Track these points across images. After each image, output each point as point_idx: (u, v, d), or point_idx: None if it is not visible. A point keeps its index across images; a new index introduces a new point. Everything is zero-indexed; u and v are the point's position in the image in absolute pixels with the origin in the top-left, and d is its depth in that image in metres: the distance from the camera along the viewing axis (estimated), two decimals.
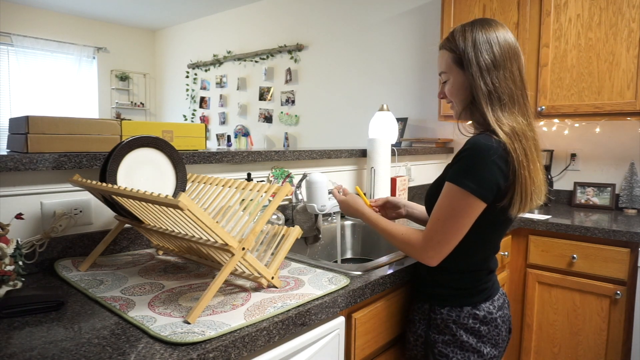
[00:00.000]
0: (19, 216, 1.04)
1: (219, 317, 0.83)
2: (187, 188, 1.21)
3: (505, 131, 0.98)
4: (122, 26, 5.61)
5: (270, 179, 1.73)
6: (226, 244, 0.89)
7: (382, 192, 2.06)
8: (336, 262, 1.61)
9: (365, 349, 1.11)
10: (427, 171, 2.78)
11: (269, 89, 4.31)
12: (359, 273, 1.14)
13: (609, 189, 2.35)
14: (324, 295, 0.97)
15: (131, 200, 0.92)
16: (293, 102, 4.11)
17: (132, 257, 1.24)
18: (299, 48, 3.98)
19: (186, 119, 5.36)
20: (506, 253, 1.99)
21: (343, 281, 1.06)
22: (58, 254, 1.17)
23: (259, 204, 1.00)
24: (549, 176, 2.52)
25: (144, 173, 1.11)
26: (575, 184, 2.45)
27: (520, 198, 0.98)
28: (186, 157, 1.39)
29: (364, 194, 1.42)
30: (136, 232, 1.32)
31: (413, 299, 1.21)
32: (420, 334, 1.12)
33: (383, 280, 1.12)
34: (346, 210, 1.29)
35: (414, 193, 2.61)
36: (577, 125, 2.47)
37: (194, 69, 5.20)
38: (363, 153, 2.13)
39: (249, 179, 1.60)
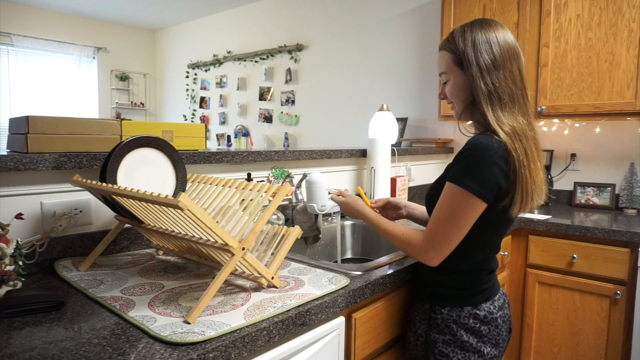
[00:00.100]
0: (19, 216, 1.04)
1: (219, 317, 0.83)
2: (187, 188, 1.21)
3: (506, 131, 0.98)
4: (122, 26, 5.61)
5: (270, 179, 1.73)
6: (226, 244, 0.89)
7: (382, 192, 2.06)
8: (336, 262, 1.61)
9: (366, 349, 1.11)
10: (427, 171, 2.78)
11: (269, 89, 4.31)
12: (359, 273, 1.14)
13: (609, 189, 2.35)
14: (324, 295, 0.97)
15: (131, 200, 0.92)
16: (293, 102, 4.11)
17: (132, 257, 1.24)
18: (299, 48, 3.98)
19: (186, 119, 5.36)
20: (506, 253, 1.99)
21: (343, 281, 1.06)
22: (58, 254, 1.17)
23: (259, 204, 1.00)
24: (549, 176, 2.52)
25: (144, 173, 1.11)
26: (575, 184, 2.45)
27: (521, 197, 0.98)
28: (186, 157, 1.39)
29: (365, 194, 1.42)
30: (136, 232, 1.32)
31: (413, 298, 1.21)
32: (421, 333, 1.12)
33: (383, 280, 1.12)
34: (346, 211, 1.29)
35: (414, 193, 2.61)
36: (577, 125, 2.47)
37: (194, 69, 5.20)
38: (363, 153, 2.13)
39: (249, 179, 1.60)
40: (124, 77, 5.60)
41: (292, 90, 4.10)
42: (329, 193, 1.49)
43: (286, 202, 1.77)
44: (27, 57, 4.87)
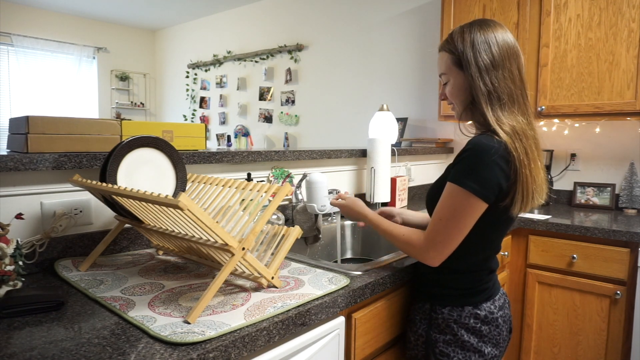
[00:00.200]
0: (19, 216, 1.04)
1: (219, 317, 0.83)
2: (187, 188, 1.21)
3: (506, 130, 0.98)
4: (122, 26, 5.61)
5: (270, 179, 1.73)
6: (226, 244, 0.89)
7: (382, 192, 2.06)
8: (336, 262, 1.61)
9: (366, 349, 1.11)
10: (427, 171, 2.78)
11: (269, 89, 4.31)
12: (359, 273, 1.14)
13: (609, 189, 2.35)
14: (324, 295, 0.97)
15: (131, 200, 0.92)
16: (293, 102, 4.11)
17: (132, 257, 1.24)
18: (299, 48, 3.98)
19: (186, 119, 5.36)
20: (506, 253, 1.99)
21: (343, 281, 1.06)
22: (58, 254, 1.17)
23: (259, 204, 1.00)
24: (549, 176, 2.52)
25: (144, 173, 1.11)
26: (575, 184, 2.45)
27: (522, 197, 0.98)
28: (186, 157, 1.39)
29: None
30: (136, 232, 1.32)
31: (414, 298, 1.21)
32: (421, 333, 1.12)
33: (383, 280, 1.12)
34: (347, 214, 1.30)
35: (414, 193, 2.62)
36: (577, 125, 2.47)
37: (194, 69, 5.20)
38: (363, 153, 2.13)
39: (249, 179, 1.60)
40: (124, 77, 5.60)
41: (292, 90, 4.10)
42: (330, 192, 1.49)
43: (286, 202, 1.77)
44: (27, 57, 4.87)
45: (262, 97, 4.38)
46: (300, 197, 1.73)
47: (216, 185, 1.16)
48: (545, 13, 2.22)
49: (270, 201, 0.98)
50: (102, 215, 1.27)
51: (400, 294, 1.23)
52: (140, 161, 1.11)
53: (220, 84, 4.85)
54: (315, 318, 0.93)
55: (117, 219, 1.14)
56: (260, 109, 4.41)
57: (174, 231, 0.99)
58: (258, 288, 1.00)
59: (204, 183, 1.20)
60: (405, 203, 2.32)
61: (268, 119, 4.34)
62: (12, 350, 0.71)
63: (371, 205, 2.11)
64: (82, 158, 1.16)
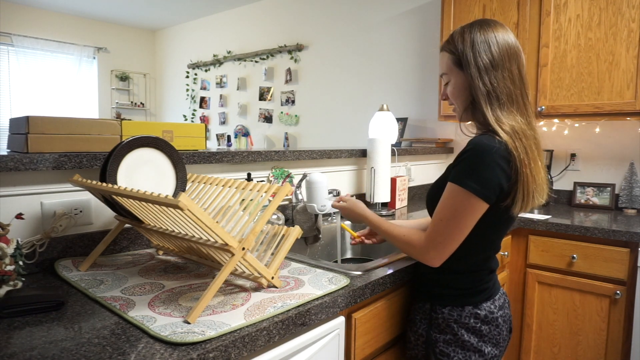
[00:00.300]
0: (19, 216, 1.04)
1: (219, 317, 0.83)
2: (187, 188, 1.21)
3: (506, 130, 0.98)
4: (122, 26, 5.61)
5: (270, 179, 1.73)
6: (226, 244, 0.89)
7: (382, 192, 2.06)
8: (336, 262, 1.61)
9: (366, 348, 1.11)
10: (427, 171, 2.78)
11: (269, 89, 4.31)
12: (359, 273, 1.14)
13: (609, 189, 2.35)
14: (324, 295, 0.97)
15: (131, 200, 0.92)
16: (293, 102, 4.11)
17: (132, 257, 1.24)
18: (299, 48, 3.98)
19: (186, 119, 5.36)
20: (506, 253, 1.99)
21: (343, 281, 1.06)
22: (58, 254, 1.17)
23: (259, 204, 1.00)
24: (549, 176, 2.52)
25: (144, 173, 1.11)
26: (575, 184, 2.45)
27: (522, 196, 0.98)
28: (186, 157, 1.39)
29: (347, 227, 1.44)
30: (136, 232, 1.32)
31: (414, 298, 1.21)
32: (422, 333, 1.12)
33: (383, 280, 1.12)
34: (348, 215, 1.30)
35: (414, 193, 2.62)
36: (577, 125, 2.47)
37: (194, 69, 5.20)
38: (363, 153, 2.13)
39: (249, 179, 1.61)
40: (124, 77, 5.60)
41: (292, 90, 4.10)
42: (330, 192, 1.49)
43: (286, 202, 1.77)
44: (27, 57, 4.87)
45: (262, 97, 4.38)
46: (300, 197, 1.73)
47: (216, 185, 1.16)
48: (545, 13, 2.22)
49: (270, 201, 0.98)
50: (102, 215, 1.27)
51: (400, 294, 1.23)
52: (140, 161, 1.11)
53: (220, 84, 4.85)
54: (315, 318, 0.93)
55: (117, 219, 1.14)
56: (260, 109, 4.41)
57: (174, 231, 1.00)
58: (258, 288, 1.00)
59: (204, 183, 1.20)
60: (405, 203, 2.32)
61: (268, 119, 4.34)
62: (12, 350, 0.71)
63: (371, 206, 2.11)
64: (82, 158, 1.16)
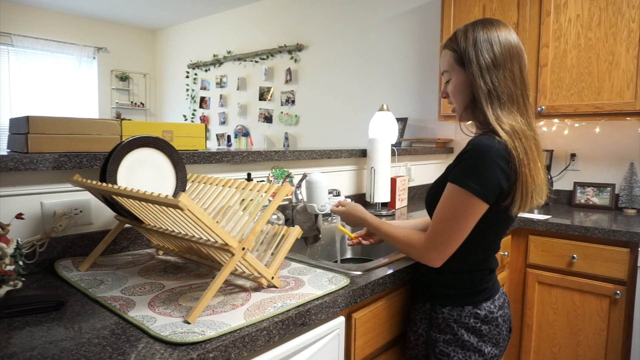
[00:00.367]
0: (19, 216, 1.04)
1: (219, 317, 0.83)
2: (187, 188, 1.21)
3: (506, 130, 0.98)
4: (122, 26, 5.61)
5: (270, 179, 1.73)
6: (226, 244, 0.89)
7: (382, 192, 2.06)
8: (336, 262, 1.61)
9: (366, 348, 1.11)
10: (427, 171, 2.78)
11: (269, 89, 4.31)
12: (359, 273, 1.14)
13: (609, 189, 2.35)
14: (324, 295, 0.97)
15: (131, 200, 0.92)
16: (293, 102, 4.11)
17: (132, 257, 1.24)
18: (299, 48, 3.98)
19: (186, 119, 5.36)
20: (506, 253, 1.99)
21: (343, 281, 1.06)
22: (58, 254, 1.17)
23: (259, 204, 1.00)
24: (549, 176, 2.52)
25: (144, 173, 1.11)
26: (575, 184, 2.45)
27: (521, 196, 0.98)
28: (186, 157, 1.39)
29: (344, 228, 1.45)
30: (136, 232, 1.32)
31: (414, 298, 1.21)
32: (422, 333, 1.12)
33: (383, 280, 1.12)
34: (348, 219, 1.31)
35: (414, 193, 2.62)
36: (577, 125, 2.47)
37: (194, 69, 5.20)
38: (363, 153, 2.13)
39: (249, 179, 1.61)
40: (124, 77, 5.60)
41: (292, 90, 4.10)
42: (330, 192, 1.49)
43: (286, 202, 1.77)
44: (27, 57, 4.87)
45: (262, 97, 4.38)
46: (300, 197, 1.73)
47: (216, 185, 1.16)
48: (545, 13, 2.22)
49: (270, 201, 0.98)
50: (102, 215, 1.27)
51: (400, 294, 1.23)
52: (140, 161, 1.11)
53: (220, 84, 4.85)
54: (315, 318, 0.93)
55: (117, 219, 1.14)
56: (260, 109, 4.41)
57: (174, 231, 1.00)
58: (258, 288, 1.00)
59: (204, 183, 1.20)
60: (405, 203, 2.32)
61: (268, 119, 4.34)
62: (12, 350, 0.71)
63: (371, 206, 2.11)
64: (82, 158, 1.16)
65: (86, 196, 1.23)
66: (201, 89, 5.12)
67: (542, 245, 2.00)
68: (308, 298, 0.94)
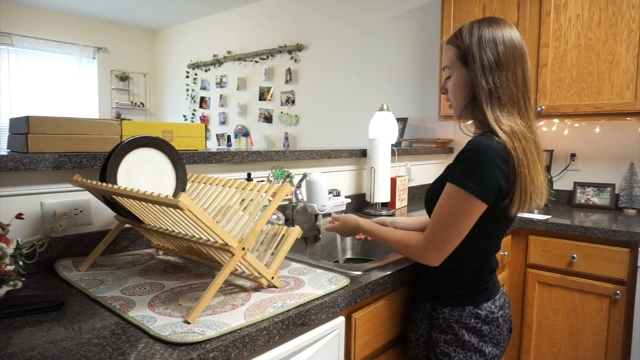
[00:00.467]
0: (19, 216, 1.04)
1: (219, 317, 0.83)
2: (187, 188, 1.21)
3: (505, 130, 0.98)
4: (122, 26, 5.61)
5: (270, 179, 1.73)
6: (226, 244, 0.89)
7: (382, 192, 2.06)
8: (336, 262, 1.61)
9: (366, 348, 1.11)
10: (427, 171, 2.78)
11: (269, 89, 4.31)
12: (359, 273, 1.14)
13: (609, 189, 2.35)
14: (324, 295, 0.97)
15: (131, 200, 0.92)
16: (293, 102, 4.11)
17: (132, 257, 1.24)
18: (299, 48, 3.98)
19: (186, 119, 5.36)
20: (506, 253, 1.99)
21: (343, 281, 1.06)
22: (58, 254, 1.17)
23: (259, 204, 1.00)
24: (549, 176, 2.52)
25: (144, 173, 1.11)
26: (575, 184, 2.45)
27: (520, 196, 0.98)
28: (186, 157, 1.39)
29: None
30: (136, 232, 1.32)
31: (414, 298, 1.21)
32: (422, 333, 1.12)
33: (383, 280, 1.12)
34: (344, 232, 1.32)
35: (414, 193, 2.62)
36: (577, 125, 2.47)
37: (194, 69, 5.20)
38: (363, 153, 2.13)
39: (249, 179, 1.60)
40: (124, 77, 5.60)
41: (292, 90, 4.10)
42: (330, 192, 1.48)
43: (286, 202, 1.77)
44: (27, 57, 4.87)
45: (262, 97, 4.38)
46: (300, 197, 1.73)
47: (216, 185, 1.16)
48: (545, 13, 2.22)
49: (270, 201, 0.98)
50: (102, 215, 1.27)
51: (400, 294, 1.23)
52: (140, 161, 1.11)
53: (220, 84, 4.85)
54: (315, 318, 0.93)
55: (117, 219, 1.14)
56: (260, 109, 4.41)
57: (174, 231, 1.00)
58: (258, 288, 1.00)
59: (204, 183, 1.20)
60: (405, 203, 2.32)
61: (268, 119, 4.34)
62: (12, 350, 0.71)
63: (371, 206, 2.11)
64: (82, 158, 1.16)
65: (86, 196, 1.23)
66: (201, 89, 5.12)
67: (542, 245, 2.00)
68: (308, 298, 0.94)
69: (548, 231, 1.98)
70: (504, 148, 0.97)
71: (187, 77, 5.29)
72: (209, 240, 0.93)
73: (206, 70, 5.04)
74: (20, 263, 0.96)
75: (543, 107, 2.23)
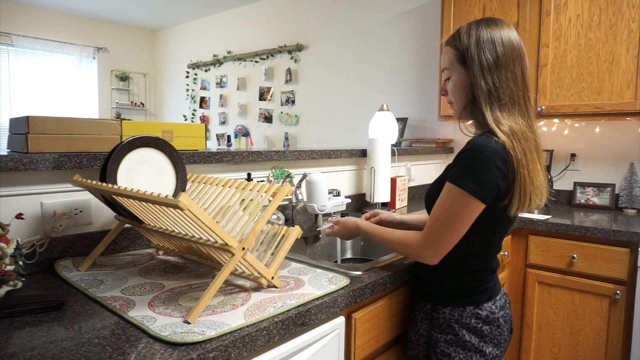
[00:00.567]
0: (19, 216, 1.04)
1: (219, 317, 0.83)
2: (187, 188, 1.21)
3: (504, 131, 0.98)
4: (122, 26, 5.61)
5: (270, 179, 1.73)
6: (226, 244, 0.89)
7: (382, 192, 2.06)
8: (336, 262, 1.61)
9: (366, 348, 1.11)
10: (427, 171, 2.78)
11: (269, 89, 4.31)
12: (359, 273, 1.14)
13: (609, 189, 2.35)
14: (324, 295, 0.97)
15: (131, 200, 0.92)
16: (293, 102, 4.11)
17: (132, 257, 1.24)
18: (299, 48, 3.98)
19: (186, 119, 5.36)
20: (506, 253, 1.99)
21: (343, 281, 1.06)
22: (58, 254, 1.17)
23: (259, 204, 1.00)
24: (549, 176, 2.52)
25: (144, 173, 1.11)
26: (575, 184, 2.45)
27: (519, 197, 0.98)
28: (186, 157, 1.39)
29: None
30: (136, 232, 1.32)
31: (415, 298, 1.21)
32: (423, 333, 1.12)
33: (383, 280, 1.12)
34: (344, 235, 1.31)
35: (414, 193, 2.62)
36: (577, 125, 2.47)
37: (194, 69, 5.20)
38: (363, 153, 2.13)
39: (249, 179, 1.60)
40: (124, 77, 5.60)
41: (292, 90, 4.10)
42: (330, 192, 1.48)
43: (286, 202, 1.77)
44: (27, 57, 4.87)
45: (262, 97, 4.38)
46: (300, 197, 1.73)
47: (216, 185, 1.16)
48: (545, 13, 2.22)
49: (270, 201, 0.98)
50: (102, 215, 1.27)
51: (400, 294, 1.23)
52: (140, 161, 1.11)
53: (220, 84, 4.85)
54: (315, 318, 0.93)
55: (117, 219, 1.14)
56: (260, 109, 4.41)
57: (174, 231, 1.00)
58: (258, 288, 1.00)
59: (204, 183, 1.20)
60: (405, 203, 2.32)
61: (268, 119, 4.34)
62: (12, 350, 0.71)
63: (371, 206, 2.11)
64: (82, 158, 1.16)
65: (86, 196, 1.23)
66: (201, 89, 5.12)
67: (542, 245, 2.00)
68: (308, 298, 0.94)
69: (548, 231, 1.98)
70: (503, 148, 0.97)
71: (187, 77, 5.29)
72: (209, 240, 0.93)
73: (206, 70, 5.04)
74: (20, 263, 0.96)
75: (543, 107, 2.23)
